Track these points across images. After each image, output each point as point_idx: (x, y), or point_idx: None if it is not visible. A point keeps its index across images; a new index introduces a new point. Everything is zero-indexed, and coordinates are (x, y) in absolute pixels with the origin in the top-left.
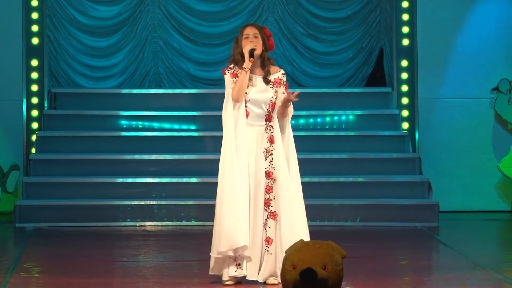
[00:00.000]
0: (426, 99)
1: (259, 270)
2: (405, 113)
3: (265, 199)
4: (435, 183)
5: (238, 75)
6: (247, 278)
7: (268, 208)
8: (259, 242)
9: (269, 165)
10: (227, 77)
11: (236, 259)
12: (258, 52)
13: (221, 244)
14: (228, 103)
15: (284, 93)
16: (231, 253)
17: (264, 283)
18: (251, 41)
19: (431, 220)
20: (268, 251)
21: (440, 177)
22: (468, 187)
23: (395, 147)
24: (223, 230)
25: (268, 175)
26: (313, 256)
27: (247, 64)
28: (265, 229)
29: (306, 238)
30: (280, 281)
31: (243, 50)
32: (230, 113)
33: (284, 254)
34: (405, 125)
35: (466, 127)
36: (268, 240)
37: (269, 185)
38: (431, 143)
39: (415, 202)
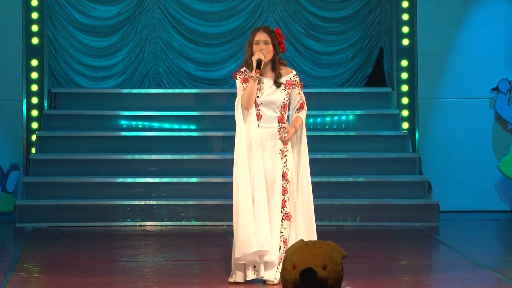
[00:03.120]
0: (426, 99)
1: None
2: (405, 113)
3: (281, 200)
4: (435, 183)
5: (249, 79)
6: (264, 279)
7: (283, 209)
8: (277, 243)
9: (284, 167)
10: (238, 82)
11: (253, 262)
12: (267, 59)
13: (236, 252)
14: (238, 109)
15: (299, 93)
16: (251, 257)
17: (264, 282)
18: (261, 49)
19: (431, 220)
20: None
21: (440, 177)
22: (468, 187)
23: (395, 147)
24: (238, 237)
25: (283, 176)
26: (313, 256)
27: (254, 73)
28: (280, 230)
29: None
30: (280, 281)
31: (252, 58)
32: (241, 118)
33: (284, 254)
34: (405, 125)
35: (466, 127)
36: (285, 242)
37: (284, 186)
38: (431, 143)
39: (415, 202)
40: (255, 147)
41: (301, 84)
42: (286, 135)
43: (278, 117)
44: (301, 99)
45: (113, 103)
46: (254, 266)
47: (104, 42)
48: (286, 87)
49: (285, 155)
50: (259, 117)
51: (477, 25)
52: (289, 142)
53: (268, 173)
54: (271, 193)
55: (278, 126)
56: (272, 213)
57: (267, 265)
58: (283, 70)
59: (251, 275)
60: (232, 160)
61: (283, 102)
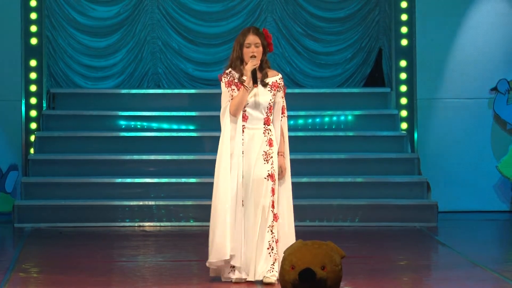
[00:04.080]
0: (425, 99)
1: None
2: (403, 113)
3: (271, 201)
4: (434, 183)
5: (235, 80)
6: (248, 280)
7: (273, 210)
8: (260, 242)
9: (271, 168)
10: (223, 86)
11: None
12: (258, 62)
13: (212, 255)
14: (226, 113)
15: (282, 97)
16: (221, 263)
17: (263, 283)
18: (253, 52)
19: (430, 220)
20: (277, 252)
21: (439, 177)
22: (467, 187)
23: (394, 147)
24: (214, 241)
25: (271, 177)
26: (312, 256)
27: (248, 82)
28: (272, 231)
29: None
30: (278, 281)
31: (244, 70)
32: (228, 124)
33: (283, 254)
34: (404, 125)
35: (465, 127)
36: (276, 242)
37: (273, 187)
38: (430, 144)
39: (414, 202)
40: (238, 153)
41: (284, 89)
42: (281, 173)
43: (264, 118)
44: (282, 103)
45: (112, 104)
46: (233, 267)
47: (103, 42)
48: (272, 88)
49: (271, 157)
50: (245, 118)
51: (476, 25)
52: (274, 144)
53: (251, 176)
54: (258, 195)
55: (264, 127)
56: (255, 215)
57: (244, 265)
58: (270, 72)
59: (226, 273)
60: None
61: (269, 104)
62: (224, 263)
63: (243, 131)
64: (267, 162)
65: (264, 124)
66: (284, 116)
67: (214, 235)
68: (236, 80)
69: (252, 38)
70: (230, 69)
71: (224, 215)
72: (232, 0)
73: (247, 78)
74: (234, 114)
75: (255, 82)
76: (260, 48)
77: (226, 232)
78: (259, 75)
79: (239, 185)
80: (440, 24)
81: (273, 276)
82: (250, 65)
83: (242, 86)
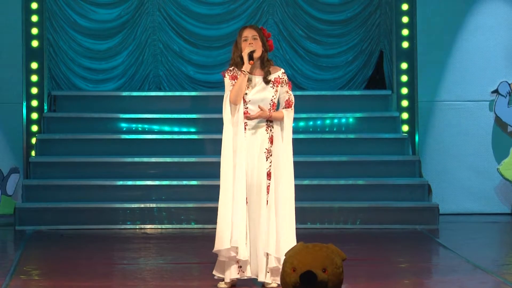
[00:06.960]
0: (426, 102)
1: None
2: (405, 115)
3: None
4: (435, 185)
5: (238, 77)
6: (251, 277)
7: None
8: (270, 244)
9: (270, 166)
10: (227, 80)
11: (238, 261)
12: (257, 54)
13: (216, 244)
14: (226, 105)
15: (288, 92)
16: (223, 254)
17: (263, 285)
18: (250, 43)
19: (431, 223)
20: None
21: (440, 180)
22: (468, 189)
23: (395, 150)
24: (217, 230)
25: (269, 175)
26: (313, 259)
27: (246, 67)
28: None
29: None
30: (279, 284)
31: (242, 53)
32: (228, 116)
33: (284, 257)
34: (405, 128)
35: (466, 130)
36: None
37: (268, 185)
38: (431, 146)
39: (415, 205)
40: (241, 149)
41: (289, 83)
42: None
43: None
44: (289, 97)
45: (113, 106)
46: (241, 266)
47: (104, 45)
48: (275, 84)
49: (271, 154)
50: (247, 114)
51: (477, 27)
52: (274, 141)
53: (254, 173)
54: (258, 193)
55: (266, 124)
56: (258, 212)
57: (249, 263)
58: (272, 68)
59: (234, 274)
60: None
61: (272, 100)
62: (225, 254)
63: (245, 128)
64: (267, 160)
65: (267, 121)
66: (291, 109)
67: (218, 226)
68: (238, 76)
69: (248, 32)
70: (233, 67)
71: (227, 210)
72: (233, 3)
73: (244, 61)
74: (234, 102)
75: (250, 59)
76: (259, 42)
77: (228, 225)
78: (261, 72)
79: (242, 183)
80: (441, 26)
81: (274, 283)
82: (246, 49)
83: (240, 73)
